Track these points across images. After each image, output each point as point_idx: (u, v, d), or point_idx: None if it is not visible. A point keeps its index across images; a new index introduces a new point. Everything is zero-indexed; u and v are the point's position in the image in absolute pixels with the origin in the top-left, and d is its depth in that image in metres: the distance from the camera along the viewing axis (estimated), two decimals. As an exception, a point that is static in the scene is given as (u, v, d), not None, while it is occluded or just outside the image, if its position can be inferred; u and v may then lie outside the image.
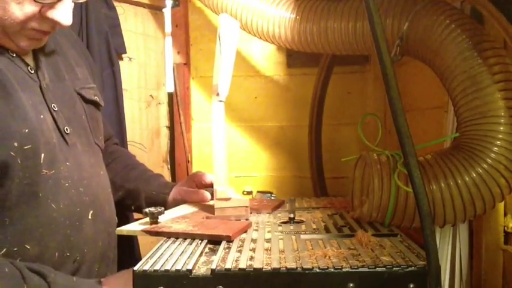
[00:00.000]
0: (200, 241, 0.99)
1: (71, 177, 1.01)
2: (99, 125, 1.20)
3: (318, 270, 0.81)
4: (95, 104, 1.18)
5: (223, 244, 0.98)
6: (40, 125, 0.96)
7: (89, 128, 1.13)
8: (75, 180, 1.02)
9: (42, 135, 0.96)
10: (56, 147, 0.99)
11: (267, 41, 1.49)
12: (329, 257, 0.87)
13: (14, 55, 0.99)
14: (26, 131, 0.93)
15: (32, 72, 1.01)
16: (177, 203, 1.31)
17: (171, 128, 2.18)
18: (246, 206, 1.15)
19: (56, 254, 0.97)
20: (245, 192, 2.11)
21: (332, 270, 0.81)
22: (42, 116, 0.98)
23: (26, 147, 0.92)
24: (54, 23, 0.96)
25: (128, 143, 1.87)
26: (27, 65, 1.01)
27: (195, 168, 2.16)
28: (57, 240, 0.97)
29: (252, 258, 0.88)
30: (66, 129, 1.03)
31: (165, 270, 0.83)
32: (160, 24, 2.10)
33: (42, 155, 0.95)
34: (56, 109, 1.02)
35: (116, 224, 1.17)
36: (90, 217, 1.04)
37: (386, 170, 1.09)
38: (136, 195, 1.33)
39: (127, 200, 1.34)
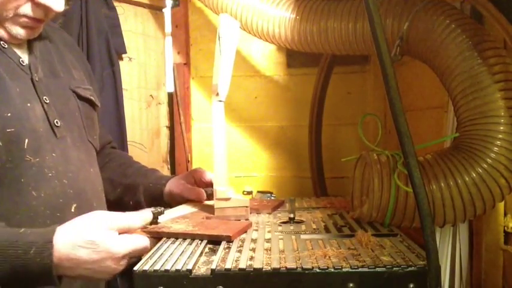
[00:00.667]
0: (200, 241, 0.99)
1: (55, 168, 1.01)
2: (94, 125, 1.20)
3: (318, 270, 0.81)
4: (91, 103, 1.18)
5: (223, 244, 0.98)
6: (26, 112, 0.97)
7: (83, 125, 1.13)
8: (59, 171, 1.01)
9: (28, 121, 0.96)
10: (42, 137, 0.99)
11: (267, 41, 1.50)
12: (329, 257, 0.87)
13: (6, 46, 1.00)
14: (9, 114, 0.93)
15: (24, 64, 1.02)
16: (173, 196, 1.30)
17: (171, 128, 2.18)
18: (246, 206, 1.15)
19: None
20: (245, 192, 2.10)
21: (332, 270, 0.81)
22: (29, 104, 0.98)
23: (8, 130, 0.92)
24: (46, 9, 0.97)
25: (128, 143, 1.87)
26: (19, 57, 1.02)
27: (195, 168, 2.16)
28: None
29: (252, 258, 0.88)
30: (57, 122, 1.03)
31: (165, 270, 0.83)
32: (160, 24, 2.10)
33: (26, 141, 0.95)
34: (48, 102, 1.03)
35: None
36: (73, 210, 1.03)
37: (386, 170, 1.09)
38: (134, 190, 1.33)
39: (126, 196, 1.34)
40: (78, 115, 1.12)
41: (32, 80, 1.02)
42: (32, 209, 0.96)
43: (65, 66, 1.14)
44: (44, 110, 1.01)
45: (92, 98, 1.18)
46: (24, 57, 1.03)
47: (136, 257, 0.89)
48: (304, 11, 1.37)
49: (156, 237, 0.99)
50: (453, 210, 1.05)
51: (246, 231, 1.05)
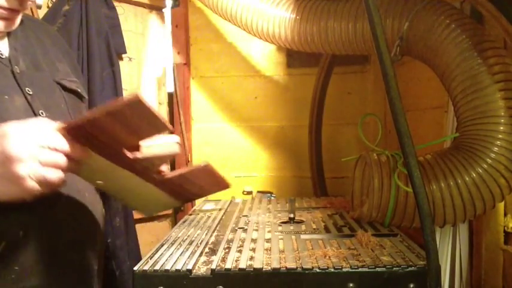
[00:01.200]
0: (200, 242, 0.99)
1: None
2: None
3: (318, 270, 0.81)
4: (77, 95, 1.16)
5: (223, 244, 0.98)
6: (4, 104, 0.95)
7: (70, 117, 1.12)
8: None
9: (5, 113, 0.95)
10: None
11: (267, 41, 1.50)
12: (329, 257, 0.87)
13: None
14: None
15: (3, 57, 1.02)
16: None
17: (171, 128, 2.18)
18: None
19: (21, 232, 0.93)
20: (245, 192, 2.11)
21: (332, 270, 0.81)
22: (7, 97, 0.97)
23: None
24: (21, 0, 0.96)
25: (128, 143, 1.87)
26: None
27: (195, 168, 2.16)
28: (22, 219, 0.93)
29: (252, 258, 0.88)
30: (42, 112, 1.02)
31: (165, 270, 0.83)
32: (160, 24, 2.10)
33: None
34: (31, 93, 1.02)
35: (103, 215, 1.15)
36: (62, 200, 1.02)
37: (386, 170, 1.09)
38: None
39: None
40: (64, 107, 1.11)
41: (12, 72, 1.01)
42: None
43: (48, 59, 1.13)
44: (28, 101, 1.00)
45: (78, 89, 1.16)
46: (4, 50, 1.03)
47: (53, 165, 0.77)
48: (304, 11, 1.37)
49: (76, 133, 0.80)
50: (453, 210, 1.05)
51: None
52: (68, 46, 1.39)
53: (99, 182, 0.92)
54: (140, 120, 0.79)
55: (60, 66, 1.16)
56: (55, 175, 0.77)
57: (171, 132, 0.94)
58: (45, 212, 0.96)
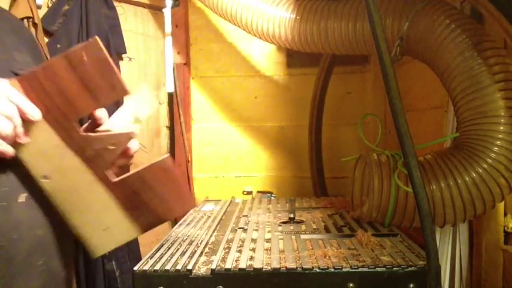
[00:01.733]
0: (200, 242, 0.99)
1: None
2: None
3: (318, 270, 0.81)
4: None
5: (223, 244, 0.98)
6: None
7: None
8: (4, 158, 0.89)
9: None
10: None
11: (267, 41, 1.50)
12: (329, 257, 0.87)
13: None
14: None
15: None
16: None
17: (171, 128, 2.18)
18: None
19: None
20: (245, 192, 2.11)
21: (332, 270, 0.81)
22: None
23: None
24: None
25: (128, 143, 1.87)
26: None
27: (195, 168, 2.16)
28: None
29: (252, 258, 0.88)
30: None
31: (165, 270, 0.83)
32: (160, 24, 2.10)
33: None
34: None
35: None
36: (23, 200, 0.95)
37: (386, 170, 1.09)
38: None
39: None
40: None
41: None
42: None
43: (5, 48, 1.08)
44: None
45: None
46: None
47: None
48: (304, 11, 1.37)
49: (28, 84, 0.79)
50: (453, 210, 1.05)
51: None
52: (34, 37, 1.32)
53: (44, 180, 0.87)
54: (97, 73, 0.77)
55: (18, 56, 1.10)
56: (6, 126, 0.75)
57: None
58: (3, 213, 0.90)
